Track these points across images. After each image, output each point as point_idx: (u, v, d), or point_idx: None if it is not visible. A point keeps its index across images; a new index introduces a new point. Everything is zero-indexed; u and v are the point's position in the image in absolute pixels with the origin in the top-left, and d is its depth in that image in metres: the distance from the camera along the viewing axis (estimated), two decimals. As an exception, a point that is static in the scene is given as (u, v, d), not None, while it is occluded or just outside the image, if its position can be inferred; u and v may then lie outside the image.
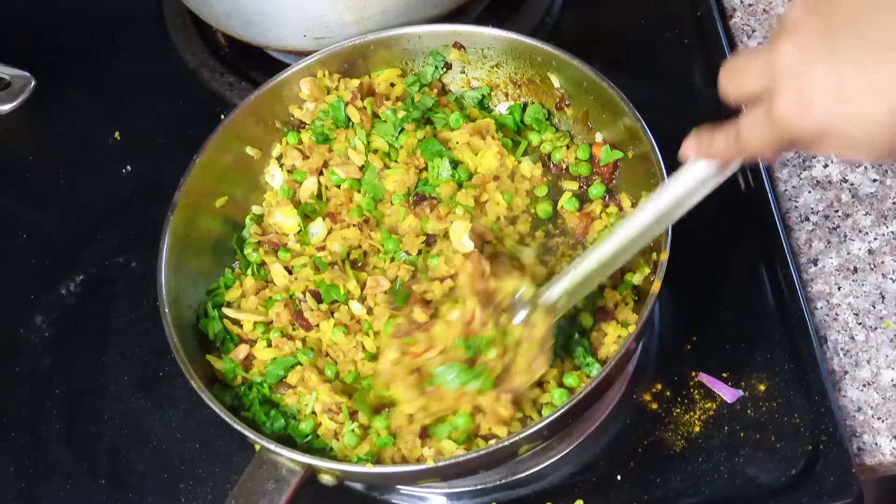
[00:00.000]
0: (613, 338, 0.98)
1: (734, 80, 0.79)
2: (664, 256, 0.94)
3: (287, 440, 0.97)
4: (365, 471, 0.91)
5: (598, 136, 1.10)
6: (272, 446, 0.90)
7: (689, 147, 0.85)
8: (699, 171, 0.86)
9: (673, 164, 0.95)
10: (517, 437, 0.88)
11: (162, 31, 1.37)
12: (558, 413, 0.88)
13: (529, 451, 0.94)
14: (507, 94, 1.14)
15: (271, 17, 1.19)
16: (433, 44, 1.12)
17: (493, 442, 0.92)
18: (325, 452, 0.96)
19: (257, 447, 0.92)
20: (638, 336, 0.93)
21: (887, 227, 1.12)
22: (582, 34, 1.31)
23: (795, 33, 0.73)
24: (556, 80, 1.10)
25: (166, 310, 0.98)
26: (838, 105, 0.71)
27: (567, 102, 1.11)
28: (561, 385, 0.97)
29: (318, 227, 1.07)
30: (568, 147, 1.11)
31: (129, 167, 1.25)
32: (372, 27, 1.15)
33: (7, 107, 1.28)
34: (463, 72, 1.14)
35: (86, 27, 1.39)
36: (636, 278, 1.02)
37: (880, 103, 0.70)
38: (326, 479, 0.92)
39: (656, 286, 0.93)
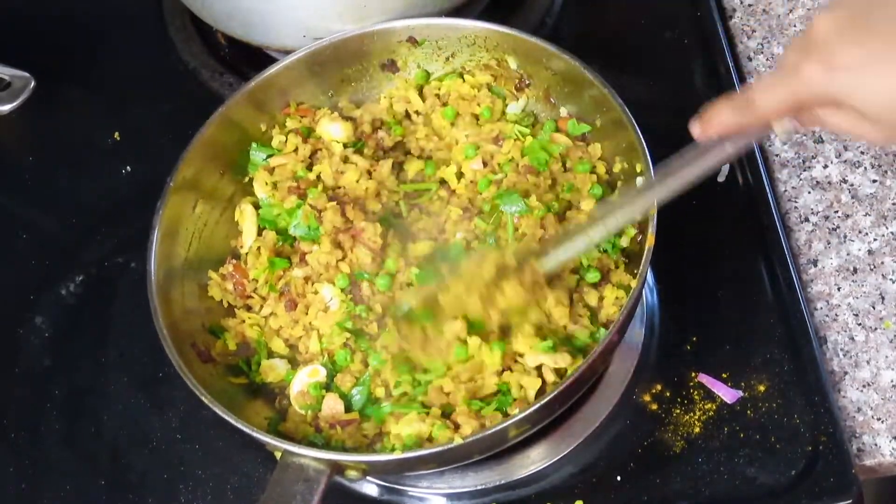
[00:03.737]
0: (612, 300, 1.00)
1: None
2: (653, 211, 0.95)
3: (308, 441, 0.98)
4: (391, 458, 0.91)
5: (563, 111, 1.10)
6: (294, 448, 0.90)
7: (695, 127, 0.88)
8: (711, 153, 0.89)
9: (653, 149, 0.97)
10: (559, 389, 0.89)
11: (162, 31, 1.37)
12: (584, 366, 0.90)
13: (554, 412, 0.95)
14: (461, 77, 1.15)
15: (271, 18, 1.19)
16: (389, 40, 1.12)
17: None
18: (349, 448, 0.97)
19: (277, 454, 0.92)
20: (638, 294, 0.94)
21: (887, 228, 1.12)
22: (582, 34, 1.31)
23: (832, 11, 0.79)
24: (513, 62, 1.11)
25: (159, 314, 0.98)
26: (863, 74, 0.78)
27: (527, 82, 1.12)
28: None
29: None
30: (534, 125, 1.12)
31: (128, 167, 1.26)
32: (373, 25, 1.15)
33: (7, 107, 1.28)
34: (419, 66, 1.14)
35: (85, 27, 1.39)
36: (623, 241, 1.03)
37: None
38: (352, 474, 0.92)
39: (650, 240, 0.94)
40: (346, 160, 1.09)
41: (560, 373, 0.96)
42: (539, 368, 0.96)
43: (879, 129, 0.79)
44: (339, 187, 1.09)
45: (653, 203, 0.93)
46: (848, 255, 1.11)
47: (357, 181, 1.08)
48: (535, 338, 0.97)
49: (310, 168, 1.10)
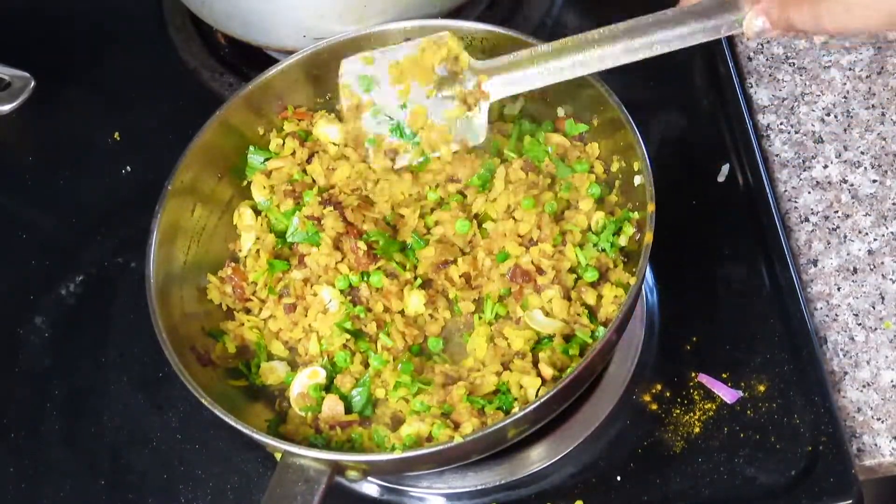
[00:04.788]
0: (611, 298, 1.00)
1: None
2: (651, 208, 0.95)
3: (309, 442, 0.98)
4: (391, 458, 0.91)
5: (560, 111, 1.10)
6: (295, 449, 0.90)
7: None
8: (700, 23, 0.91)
9: (654, 149, 0.97)
10: (558, 387, 0.89)
11: (162, 31, 1.37)
12: (584, 364, 0.90)
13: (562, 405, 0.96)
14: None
15: (271, 18, 1.19)
16: (385, 44, 1.11)
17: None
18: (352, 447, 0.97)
19: (278, 455, 0.92)
20: (637, 291, 0.94)
21: (887, 228, 1.12)
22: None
23: None
24: None
25: (159, 319, 0.98)
26: None
27: None
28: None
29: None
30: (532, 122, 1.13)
31: (128, 167, 1.26)
32: (371, 27, 1.15)
33: (7, 107, 1.28)
34: None
35: (86, 27, 1.39)
36: (622, 240, 1.03)
37: None
38: (353, 474, 0.92)
39: (648, 237, 0.95)
40: (339, 157, 1.10)
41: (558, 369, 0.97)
42: (537, 365, 0.97)
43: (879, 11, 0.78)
44: (333, 186, 1.09)
45: (609, 60, 0.95)
46: (848, 255, 1.11)
47: (348, 176, 1.08)
48: (529, 330, 0.98)
49: (306, 171, 1.11)
